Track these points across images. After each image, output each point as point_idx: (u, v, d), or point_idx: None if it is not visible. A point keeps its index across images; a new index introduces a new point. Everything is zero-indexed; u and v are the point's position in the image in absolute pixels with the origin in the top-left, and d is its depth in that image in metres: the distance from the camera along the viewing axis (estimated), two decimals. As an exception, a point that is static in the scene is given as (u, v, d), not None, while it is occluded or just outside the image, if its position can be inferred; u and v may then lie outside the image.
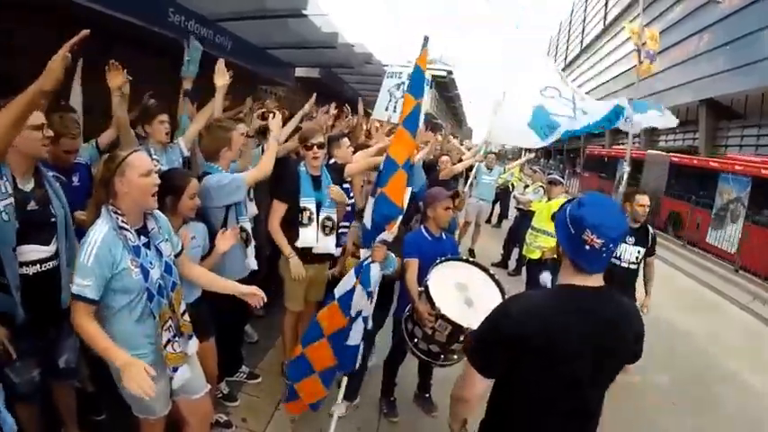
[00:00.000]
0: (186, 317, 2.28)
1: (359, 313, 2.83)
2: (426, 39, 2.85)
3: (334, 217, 3.69)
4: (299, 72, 10.82)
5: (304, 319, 3.96)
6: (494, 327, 1.66)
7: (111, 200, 2.02)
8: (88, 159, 3.19)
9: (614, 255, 4.11)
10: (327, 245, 3.67)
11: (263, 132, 4.28)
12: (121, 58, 3.13)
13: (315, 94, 4.39)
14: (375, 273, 2.79)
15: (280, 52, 8.80)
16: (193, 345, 2.32)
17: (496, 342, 1.64)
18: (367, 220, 2.83)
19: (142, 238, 2.09)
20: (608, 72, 32.82)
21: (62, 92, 2.92)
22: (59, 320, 2.37)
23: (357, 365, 3.03)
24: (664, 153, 18.16)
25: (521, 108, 5.26)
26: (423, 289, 3.04)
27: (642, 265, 4.58)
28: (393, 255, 3.02)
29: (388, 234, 2.77)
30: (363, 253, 2.84)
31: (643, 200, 4.46)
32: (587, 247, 1.54)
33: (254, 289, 2.44)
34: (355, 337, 2.88)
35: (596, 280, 1.62)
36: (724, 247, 12.00)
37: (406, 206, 2.83)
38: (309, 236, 3.56)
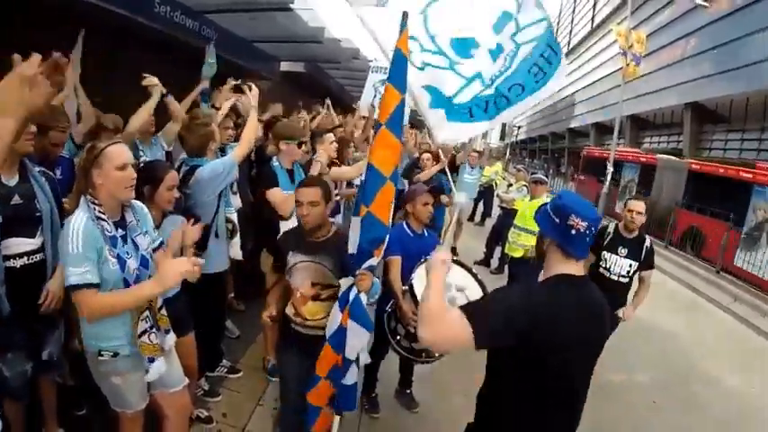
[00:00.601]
0: (164, 311, 2.26)
1: (357, 356, 2.46)
2: (405, 15, 2.34)
3: None
4: (285, 66, 10.78)
5: None
6: (509, 321, 1.62)
7: (89, 190, 2.01)
8: (68, 152, 3.16)
9: (603, 266, 4.10)
10: None
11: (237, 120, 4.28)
12: (106, 50, 3.09)
13: (280, 105, 4.36)
14: (364, 304, 2.40)
15: (265, 45, 8.77)
16: (171, 339, 2.30)
17: (507, 334, 1.62)
18: (351, 244, 2.39)
19: (119, 230, 2.07)
20: (594, 74, 33.03)
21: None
22: (45, 314, 2.36)
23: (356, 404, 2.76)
24: (677, 159, 16.58)
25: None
26: (407, 288, 3.03)
27: (637, 278, 4.20)
28: (377, 279, 2.59)
29: (375, 260, 2.40)
30: (345, 282, 2.44)
31: (635, 206, 4.05)
32: (573, 232, 1.66)
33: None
34: (351, 377, 2.48)
35: (580, 267, 1.74)
36: (757, 273, 10.01)
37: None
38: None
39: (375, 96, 7.98)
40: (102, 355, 2.08)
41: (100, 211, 1.99)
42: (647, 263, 4.13)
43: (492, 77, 3.28)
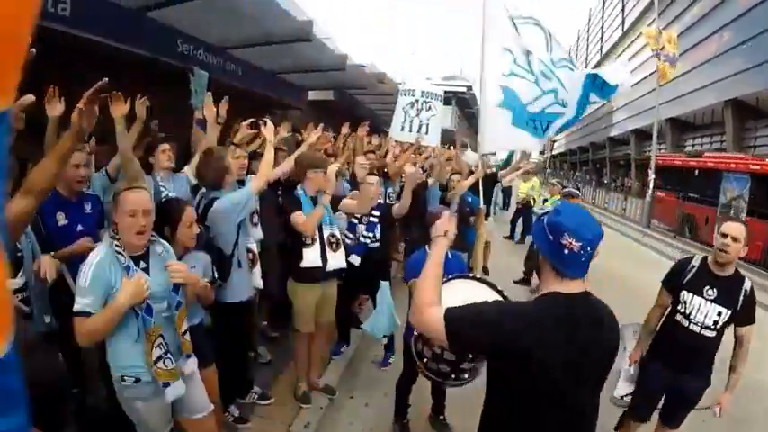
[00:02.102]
0: (187, 336, 2.36)
1: None
2: None
3: (338, 233, 3.79)
4: (312, 95, 11.02)
5: (317, 340, 4.00)
6: (480, 334, 1.64)
7: (112, 226, 2.17)
8: (99, 189, 3.31)
9: (681, 310, 3.07)
10: (337, 261, 3.75)
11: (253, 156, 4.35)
12: (132, 89, 3.23)
13: (321, 125, 4.41)
14: None
15: (291, 76, 8.98)
16: (192, 363, 2.39)
17: (475, 344, 1.70)
18: None
19: (141, 263, 2.18)
20: (630, 78, 32.36)
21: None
22: (32, 352, 2.43)
23: None
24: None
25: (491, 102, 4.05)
26: None
27: (732, 333, 3.05)
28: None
29: None
30: None
31: (730, 228, 2.90)
32: (566, 251, 1.59)
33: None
34: None
35: (578, 285, 1.65)
36: None
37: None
38: (312, 256, 3.62)
39: (405, 120, 7.95)
40: (124, 381, 2.18)
41: (117, 245, 2.13)
42: (745, 314, 2.94)
43: (563, 101, 3.90)
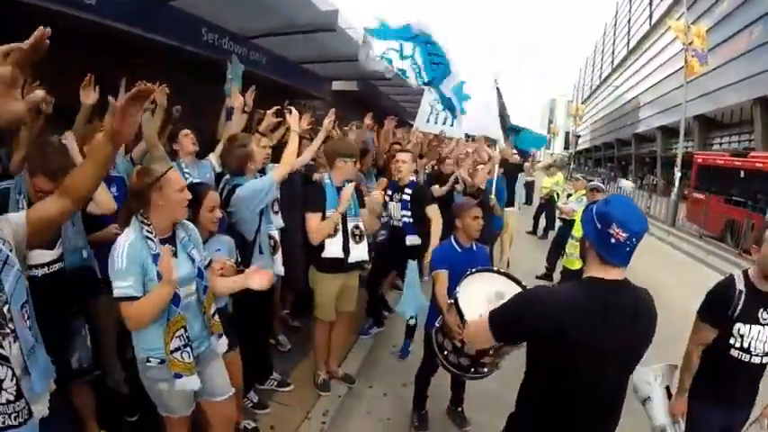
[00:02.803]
0: (216, 317, 2.39)
1: None
2: None
3: (362, 225, 3.74)
4: (336, 85, 10.98)
5: (337, 330, 4.00)
6: (520, 314, 1.77)
7: (141, 210, 2.14)
8: (123, 172, 3.35)
9: (737, 345, 2.50)
10: (359, 253, 3.72)
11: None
12: (156, 78, 3.25)
13: (332, 110, 4.38)
14: None
15: (315, 66, 8.95)
16: (222, 344, 2.43)
17: (518, 326, 1.78)
18: None
19: (169, 246, 2.18)
20: (657, 74, 31.59)
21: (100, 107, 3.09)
22: (67, 321, 2.53)
23: None
24: None
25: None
26: (452, 301, 2.96)
27: None
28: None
29: None
30: None
31: None
32: (613, 241, 1.66)
33: (254, 269, 2.45)
34: None
35: (619, 273, 1.72)
36: None
37: None
38: (335, 247, 3.60)
39: (431, 113, 7.99)
40: (149, 362, 2.18)
41: (148, 231, 2.12)
42: None
43: None
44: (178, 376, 2.16)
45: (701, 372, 2.66)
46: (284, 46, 7.41)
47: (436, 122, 7.69)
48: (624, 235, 1.64)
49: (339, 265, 3.66)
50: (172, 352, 2.14)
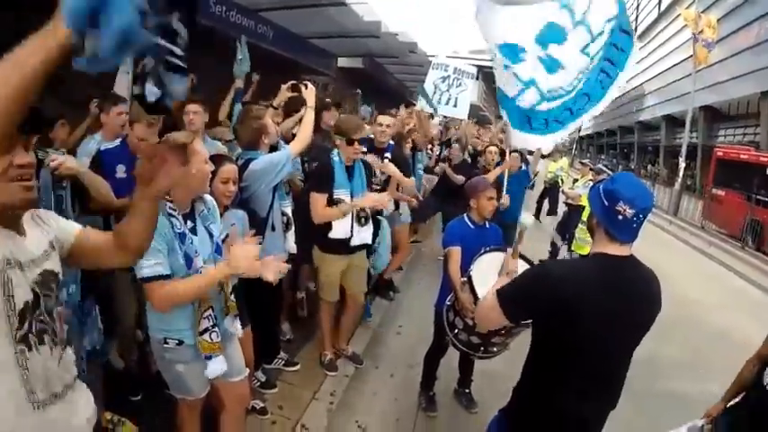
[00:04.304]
0: (233, 297, 2.30)
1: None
2: None
3: (368, 209, 3.65)
4: (342, 62, 10.82)
5: (346, 311, 3.96)
6: (530, 286, 1.82)
7: None
8: None
9: None
10: (363, 236, 3.66)
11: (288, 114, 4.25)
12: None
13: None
14: None
15: (322, 42, 8.81)
16: (238, 325, 2.35)
17: (529, 299, 1.80)
18: None
19: (188, 222, 2.10)
20: (664, 62, 31.19)
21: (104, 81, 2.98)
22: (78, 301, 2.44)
23: None
24: None
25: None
26: (465, 279, 2.92)
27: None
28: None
29: None
30: None
31: None
32: (620, 218, 1.70)
33: (270, 259, 2.25)
34: None
35: (626, 249, 1.77)
36: None
37: None
38: (342, 227, 3.53)
39: (435, 92, 7.95)
40: (167, 343, 2.11)
41: (171, 208, 2.02)
42: None
43: (551, 91, 3.35)
44: (208, 358, 2.11)
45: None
46: (291, 19, 7.24)
47: (439, 103, 7.72)
48: (631, 212, 1.68)
49: (344, 247, 3.59)
50: (201, 333, 2.09)
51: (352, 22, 7.65)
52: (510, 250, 2.49)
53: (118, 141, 3.04)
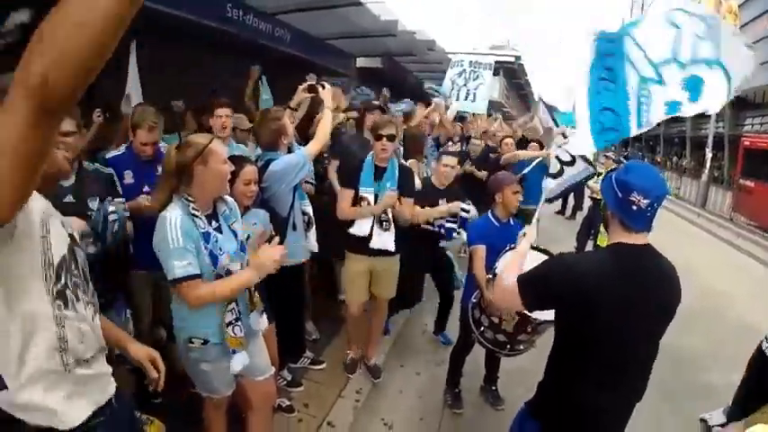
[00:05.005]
0: (257, 293, 2.31)
1: None
2: None
3: (391, 216, 3.51)
4: (361, 62, 10.80)
5: (377, 315, 3.90)
6: (551, 277, 1.81)
7: (183, 186, 2.04)
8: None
9: None
10: (384, 241, 3.49)
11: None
12: (181, 55, 3.17)
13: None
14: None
15: (339, 42, 8.82)
16: (264, 321, 2.37)
17: (546, 289, 1.80)
18: None
19: (213, 222, 2.12)
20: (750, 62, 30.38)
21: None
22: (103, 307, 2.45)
23: None
24: None
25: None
26: (491, 276, 2.89)
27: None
28: None
29: None
30: None
31: None
32: (634, 208, 1.70)
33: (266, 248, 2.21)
34: None
35: (642, 238, 1.77)
36: None
37: None
38: (363, 226, 3.47)
39: (453, 88, 7.93)
40: (192, 343, 2.13)
41: (194, 208, 2.03)
42: None
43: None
44: (234, 353, 2.13)
45: None
46: (307, 21, 7.26)
47: (458, 98, 7.70)
48: (645, 201, 1.68)
49: (364, 246, 3.49)
50: (226, 326, 2.11)
51: (369, 22, 7.63)
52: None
53: (123, 148, 3.07)
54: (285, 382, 3.49)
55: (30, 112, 0.81)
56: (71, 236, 1.32)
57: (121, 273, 2.78)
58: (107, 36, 0.78)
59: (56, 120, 0.88)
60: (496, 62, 9.40)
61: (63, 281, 1.24)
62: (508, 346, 3.00)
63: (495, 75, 8.29)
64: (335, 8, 6.69)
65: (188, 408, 2.55)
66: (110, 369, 1.47)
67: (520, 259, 2.07)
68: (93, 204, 2.44)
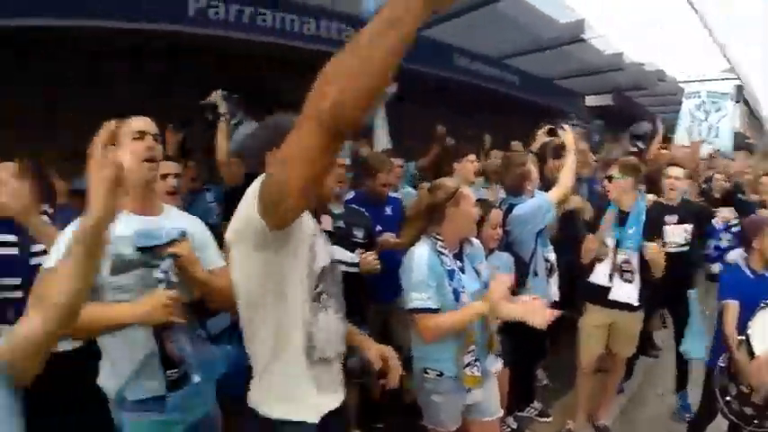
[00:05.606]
0: (496, 336, 2.36)
1: None
2: None
3: (636, 263, 3.19)
4: (590, 101, 10.44)
5: (613, 375, 3.63)
6: None
7: (433, 226, 2.22)
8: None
9: None
10: (626, 292, 3.20)
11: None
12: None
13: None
14: None
15: (567, 82, 8.68)
16: (498, 364, 2.42)
17: None
18: None
19: (457, 262, 2.24)
20: None
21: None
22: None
23: None
24: None
25: None
26: (743, 338, 2.52)
27: None
28: None
29: None
30: None
31: None
32: None
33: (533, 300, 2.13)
34: None
35: None
36: None
37: None
38: (600, 272, 3.25)
39: (693, 123, 7.20)
40: (427, 373, 2.23)
41: (442, 246, 2.19)
42: None
43: None
44: (468, 391, 2.20)
45: None
46: (535, 63, 7.30)
47: (699, 134, 6.90)
48: None
49: (602, 296, 3.24)
50: (464, 367, 2.18)
51: (594, 57, 7.41)
52: None
53: (352, 192, 3.39)
54: (510, 430, 3.40)
55: (322, 135, 0.95)
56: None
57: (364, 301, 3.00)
58: (389, 67, 0.89)
59: (341, 142, 1.04)
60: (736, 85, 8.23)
61: (320, 288, 1.45)
62: (755, 421, 2.59)
63: (736, 102, 7.20)
64: (559, 47, 6.64)
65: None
66: (342, 376, 1.61)
67: None
68: (359, 234, 2.80)
